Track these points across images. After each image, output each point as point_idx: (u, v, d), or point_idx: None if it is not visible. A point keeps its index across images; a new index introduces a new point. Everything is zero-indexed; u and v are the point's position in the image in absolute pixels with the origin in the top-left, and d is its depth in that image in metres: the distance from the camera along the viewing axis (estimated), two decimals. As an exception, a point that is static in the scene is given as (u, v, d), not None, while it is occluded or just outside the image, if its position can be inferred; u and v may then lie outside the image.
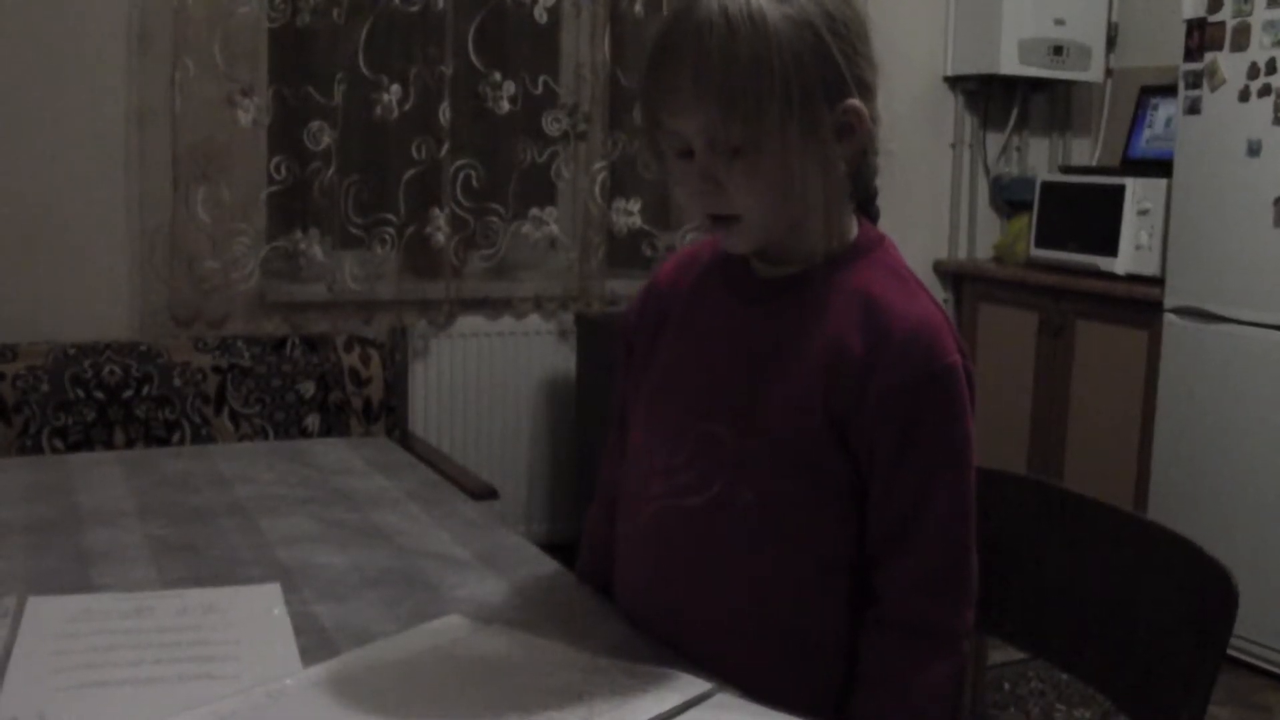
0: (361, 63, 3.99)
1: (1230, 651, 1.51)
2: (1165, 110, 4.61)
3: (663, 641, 1.52)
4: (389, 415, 3.76)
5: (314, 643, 1.50)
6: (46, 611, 1.56)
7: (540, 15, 4.19)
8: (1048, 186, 4.71)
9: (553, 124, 4.29)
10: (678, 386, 1.56)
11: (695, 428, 1.50)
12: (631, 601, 1.62)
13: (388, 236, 4.08)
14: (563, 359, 4.43)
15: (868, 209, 1.55)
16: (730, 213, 1.43)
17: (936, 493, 1.43)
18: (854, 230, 1.52)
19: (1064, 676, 3.64)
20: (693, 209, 1.47)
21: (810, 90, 1.36)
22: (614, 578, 1.67)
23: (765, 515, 1.46)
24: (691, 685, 1.36)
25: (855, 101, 1.41)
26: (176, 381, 3.50)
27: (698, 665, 1.45)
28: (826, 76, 1.38)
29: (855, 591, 1.49)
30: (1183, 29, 4.01)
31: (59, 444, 3.36)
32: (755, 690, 1.40)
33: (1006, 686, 3.66)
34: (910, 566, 1.44)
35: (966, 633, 1.47)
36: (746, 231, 1.45)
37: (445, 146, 4.08)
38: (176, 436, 3.48)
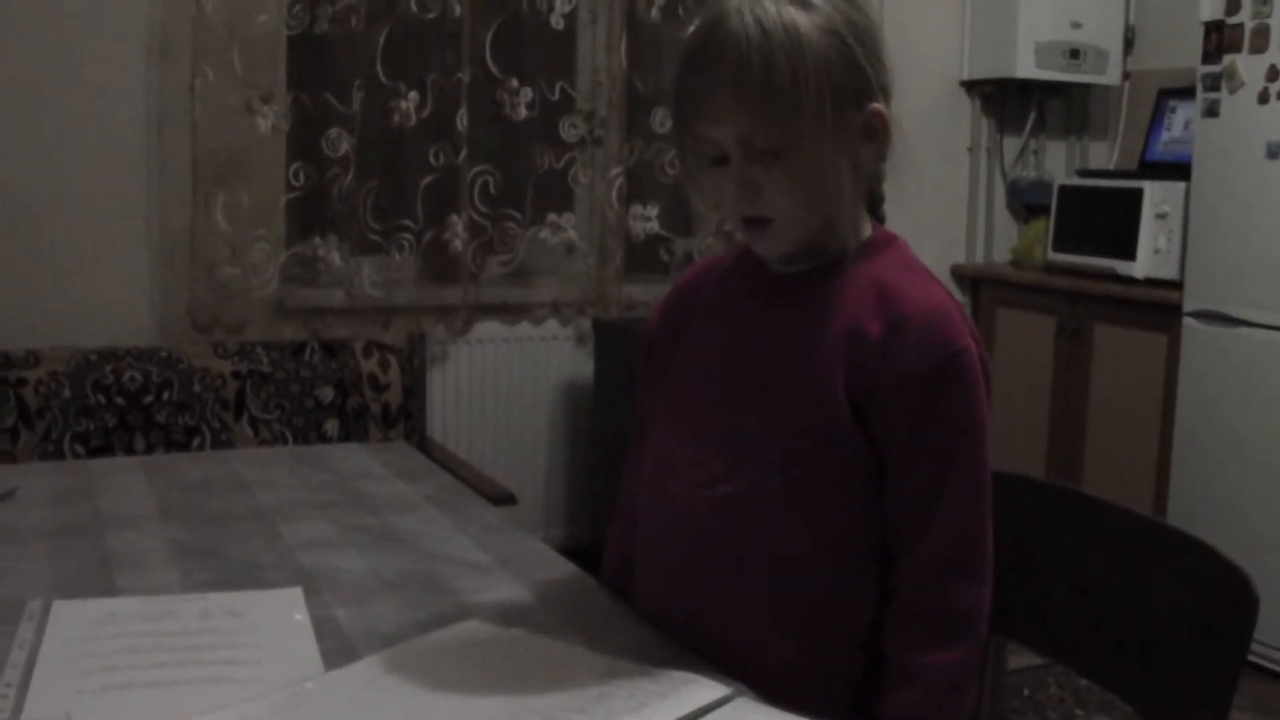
0: (379, 70, 4.00)
1: (1250, 657, 1.51)
2: (1183, 113, 4.60)
3: (687, 634, 1.55)
4: (407, 420, 3.77)
5: (335, 646, 1.51)
6: (71, 615, 1.58)
7: (557, 22, 4.20)
8: (1065, 190, 4.70)
9: (570, 130, 4.30)
10: (701, 382, 1.60)
11: (721, 420, 1.54)
12: (656, 596, 1.64)
13: (406, 242, 4.09)
14: (580, 364, 4.44)
15: (875, 211, 1.61)
16: (766, 215, 1.48)
17: (952, 474, 1.46)
18: (868, 230, 1.57)
19: (1083, 682, 3.64)
20: (727, 213, 1.51)
21: (842, 95, 1.42)
22: (635, 576, 1.69)
23: (794, 502, 1.49)
24: (711, 689, 1.37)
25: (880, 105, 1.47)
26: (196, 387, 3.52)
27: (722, 656, 1.47)
28: (855, 81, 1.44)
29: (879, 584, 1.51)
30: (1201, 31, 4.00)
31: (80, 449, 3.38)
32: (778, 679, 1.42)
33: (1026, 692, 3.66)
34: (927, 551, 1.47)
35: (985, 615, 1.49)
36: (781, 233, 1.50)
37: (463, 153, 4.09)
38: (196, 442, 3.50)
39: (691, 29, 1.49)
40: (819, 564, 1.51)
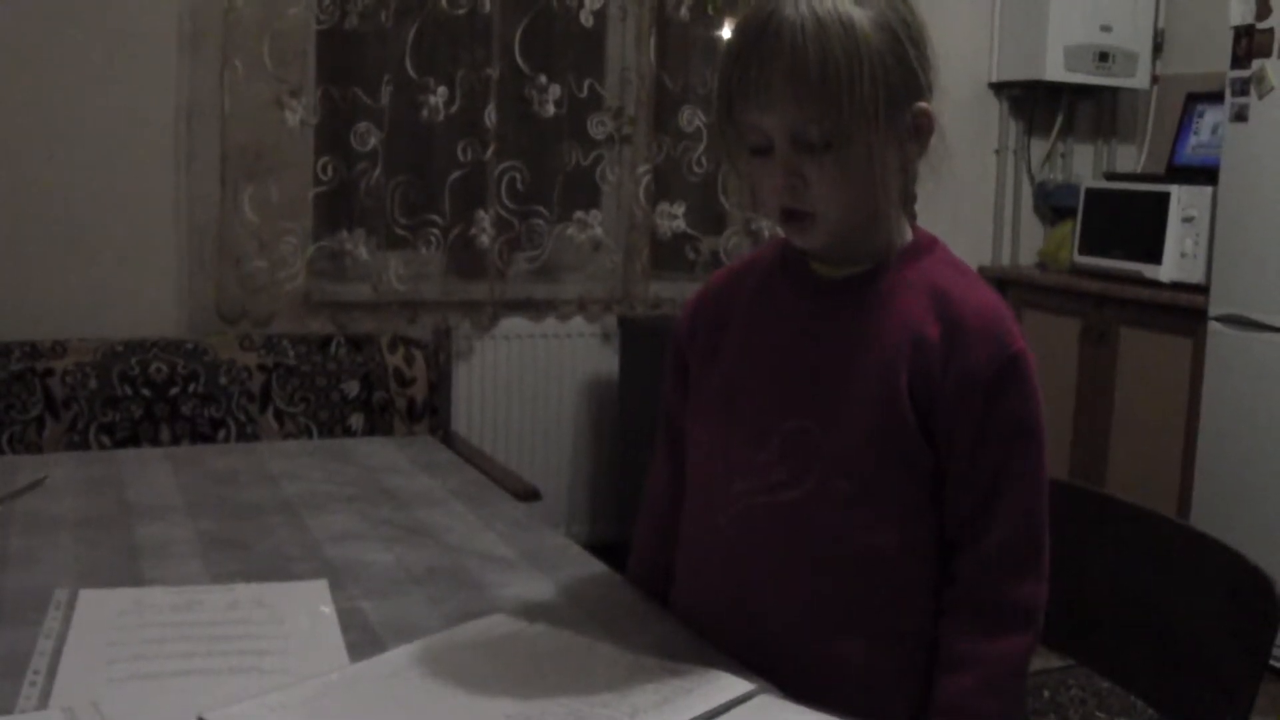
0: (408, 65, 4.01)
1: (1273, 662, 1.51)
2: (1212, 117, 4.59)
3: (744, 637, 1.54)
4: (432, 415, 3.78)
5: (360, 639, 1.52)
6: (98, 604, 1.59)
7: (586, 19, 4.21)
8: (1092, 193, 4.69)
9: (598, 127, 4.31)
10: (752, 386, 1.58)
11: (781, 425, 1.53)
12: (707, 599, 1.62)
13: (433, 237, 4.11)
14: (605, 361, 4.44)
15: (907, 210, 1.60)
16: (809, 208, 1.47)
17: (1013, 473, 1.48)
18: (909, 231, 1.57)
19: (1105, 684, 3.63)
20: (768, 204, 1.50)
21: (894, 91, 1.42)
22: (679, 580, 1.69)
23: (859, 503, 1.50)
24: (735, 685, 1.38)
25: (927, 104, 1.47)
26: (222, 379, 3.53)
27: (786, 658, 1.48)
28: (906, 79, 1.44)
29: (938, 578, 1.52)
30: (1230, 36, 3.99)
31: (106, 440, 3.39)
32: (846, 678, 1.44)
33: (1046, 694, 3.65)
34: (989, 546, 1.48)
35: (1043, 609, 1.50)
36: (823, 228, 1.49)
37: (490, 149, 4.10)
38: (222, 434, 3.51)
39: (743, 17, 1.48)
40: (883, 562, 1.51)
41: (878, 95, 1.40)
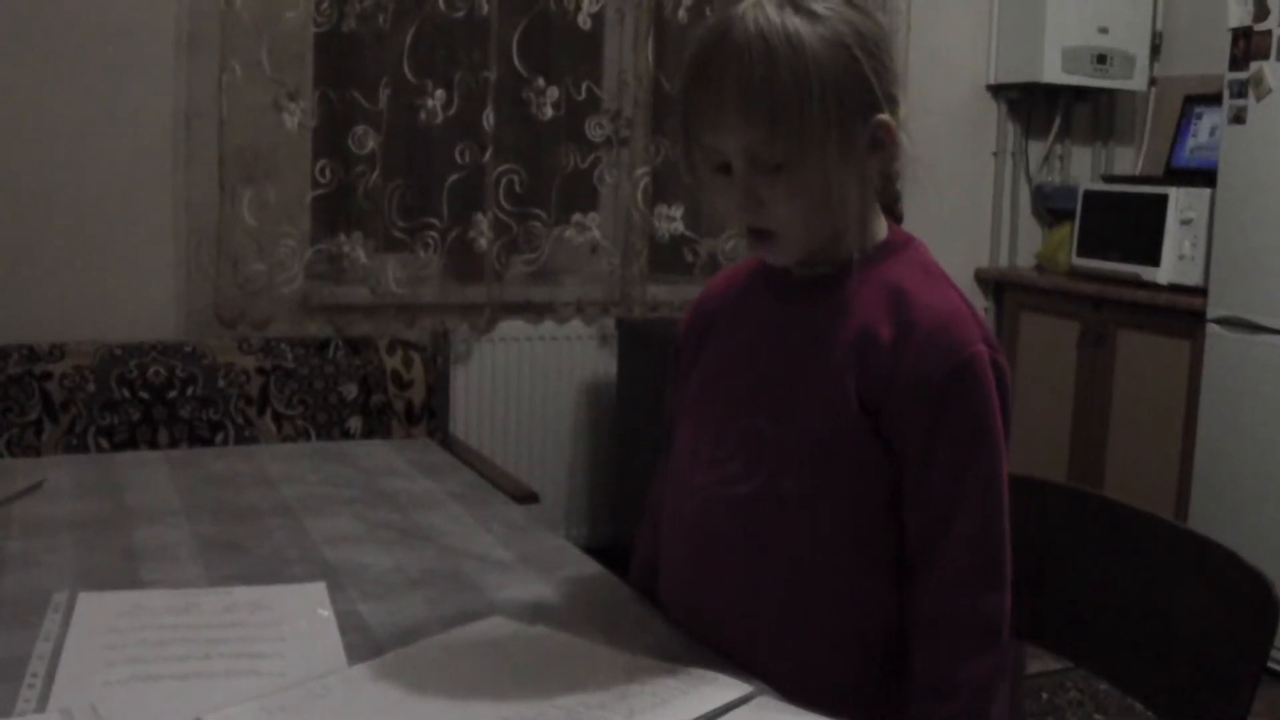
0: (406, 68, 4.01)
1: (1271, 664, 1.51)
2: (1210, 119, 4.59)
3: (704, 632, 1.55)
4: (430, 418, 3.78)
5: (358, 641, 1.52)
6: (97, 607, 1.59)
7: (584, 21, 4.21)
8: (1090, 195, 4.69)
9: (595, 129, 4.31)
10: (722, 384, 1.61)
11: (739, 421, 1.55)
12: (676, 594, 1.65)
13: (431, 240, 4.11)
14: (604, 364, 4.44)
15: (893, 210, 1.60)
16: (769, 227, 1.48)
17: (967, 484, 1.46)
18: (883, 231, 1.57)
19: (1102, 686, 3.63)
20: (732, 221, 1.50)
21: (847, 108, 1.41)
22: (660, 575, 1.69)
23: (809, 503, 1.50)
24: (732, 687, 1.37)
25: (886, 116, 1.46)
26: (220, 382, 3.53)
27: (737, 655, 1.49)
28: (860, 94, 1.43)
29: (895, 583, 1.51)
30: (1228, 37, 3.99)
31: (104, 443, 3.39)
32: (791, 679, 1.43)
33: (1044, 696, 3.65)
34: (947, 560, 1.46)
35: (1007, 620, 1.49)
36: (785, 245, 1.50)
37: (488, 151, 4.10)
38: (220, 437, 3.51)
39: (697, 37, 1.49)
40: (833, 565, 1.51)
41: (829, 116, 1.39)
